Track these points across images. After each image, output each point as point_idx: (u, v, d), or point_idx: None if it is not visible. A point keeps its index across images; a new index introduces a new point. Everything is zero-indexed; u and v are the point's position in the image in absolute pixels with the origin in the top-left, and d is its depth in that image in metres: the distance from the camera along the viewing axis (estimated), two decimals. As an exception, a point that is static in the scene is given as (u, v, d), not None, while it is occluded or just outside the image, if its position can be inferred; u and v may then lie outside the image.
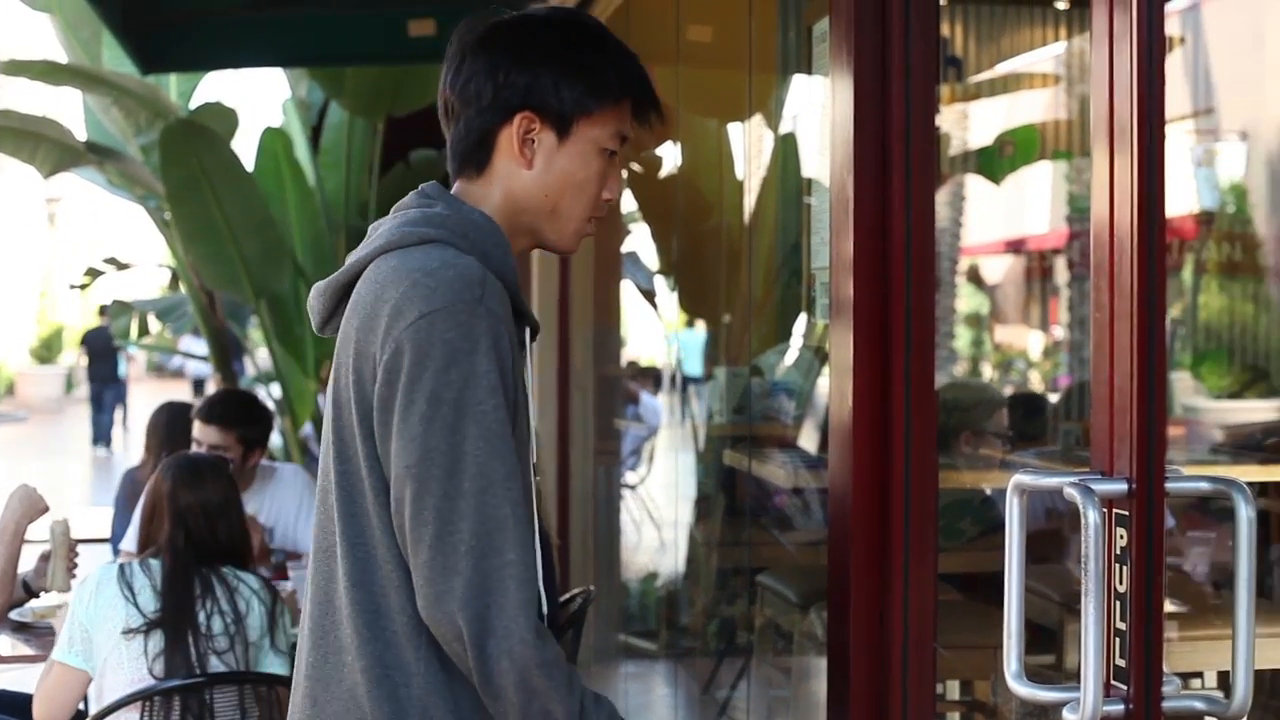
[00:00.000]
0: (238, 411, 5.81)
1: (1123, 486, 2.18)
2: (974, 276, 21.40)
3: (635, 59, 2.52)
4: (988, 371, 20.38)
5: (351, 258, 2.43)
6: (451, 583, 2.17)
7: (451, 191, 2.48)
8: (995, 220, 22.35)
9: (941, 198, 17.34)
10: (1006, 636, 2.27)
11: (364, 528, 2.29)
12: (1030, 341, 23.89)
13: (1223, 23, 18.12)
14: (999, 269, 25.64)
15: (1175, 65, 17.75)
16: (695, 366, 11.60)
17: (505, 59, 2.42)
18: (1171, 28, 16.23)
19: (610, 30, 2.53)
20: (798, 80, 7.57)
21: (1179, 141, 18.21)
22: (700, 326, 10.13)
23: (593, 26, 2.52)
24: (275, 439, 9.73)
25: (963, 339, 20.49)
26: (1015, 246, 23.70)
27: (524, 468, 2.29)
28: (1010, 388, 18.43)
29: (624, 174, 2.48)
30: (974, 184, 17.94)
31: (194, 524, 4.39)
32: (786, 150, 7.97)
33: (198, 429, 5.67)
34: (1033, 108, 14.68)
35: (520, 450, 2.28)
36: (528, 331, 2.46)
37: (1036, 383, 19.72)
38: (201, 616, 4.26)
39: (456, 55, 2.47)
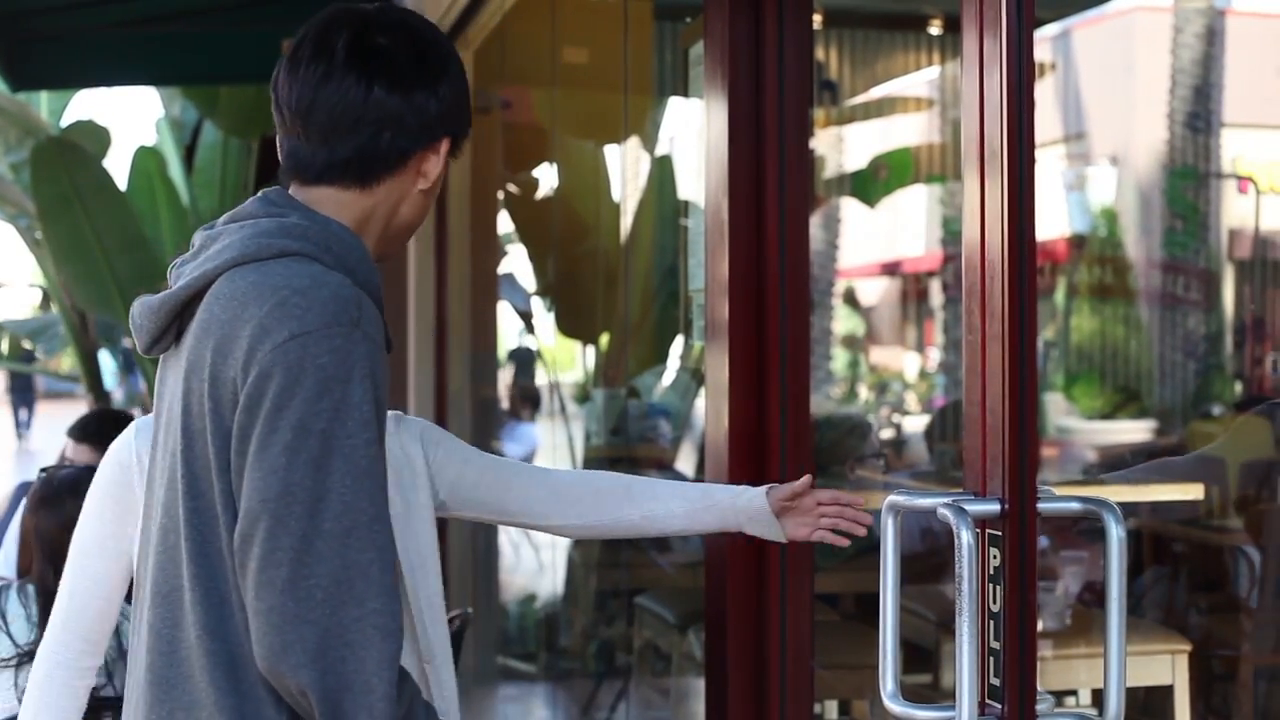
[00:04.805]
0: (111, 431, 5.70)
1: (995, 507, 2.20)
2: (850, 299, 21.56)
3: None
4: (864, 393, 20.53)
5: (189, 271, 2.20)
6: (301, 632, 1.97)
7: (301, 199, 2.23)
8: (870, 243, 22.55)
9: (817, 220, 17.47)
10: (882, 656, 2.27)
11: (217, 571, 2.09)
12: (906, 363, 24.12)
13: (1094, 49, 18.40)
14: (875, 291, 25.86)
15: (1047, 90, 18.02)
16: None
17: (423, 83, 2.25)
18: (1043, 54, 16.46)
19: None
20: (674, 103, 7.60)
21: (1051, 166, 18.47)
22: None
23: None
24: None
25: (839, 360, 20.63)
26: (890, 269, 23.93)
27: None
28: (886, 409, 18.56)
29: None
30: (849, 207, 18.09)
31: (59, 555, 4.21)
32: (663, 172, 7.99)
33: (70, 448, 5.57)
34: (907, 131, 14.81)
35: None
36: None
37: (912, 403, 19.89)
38: None
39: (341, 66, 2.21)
